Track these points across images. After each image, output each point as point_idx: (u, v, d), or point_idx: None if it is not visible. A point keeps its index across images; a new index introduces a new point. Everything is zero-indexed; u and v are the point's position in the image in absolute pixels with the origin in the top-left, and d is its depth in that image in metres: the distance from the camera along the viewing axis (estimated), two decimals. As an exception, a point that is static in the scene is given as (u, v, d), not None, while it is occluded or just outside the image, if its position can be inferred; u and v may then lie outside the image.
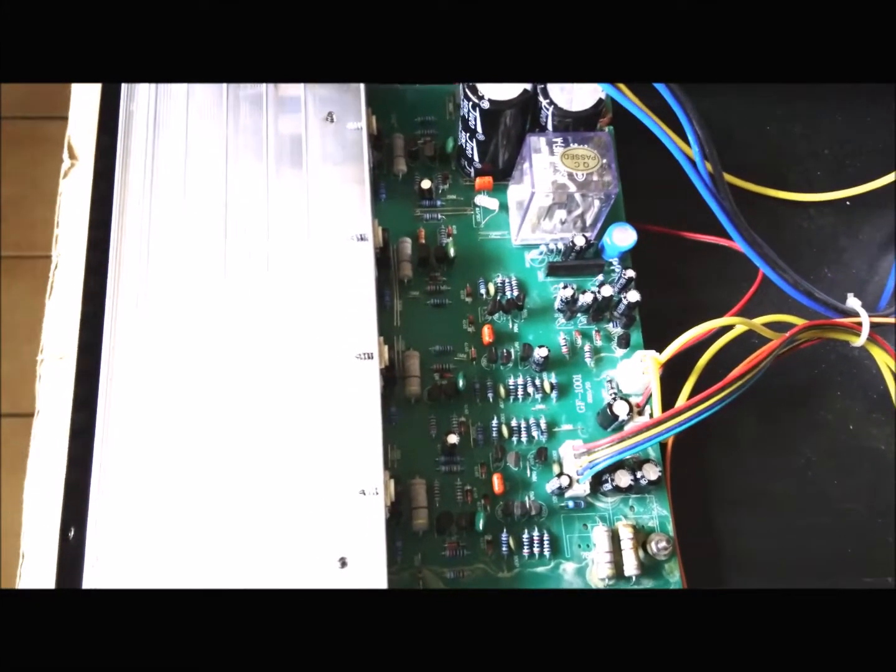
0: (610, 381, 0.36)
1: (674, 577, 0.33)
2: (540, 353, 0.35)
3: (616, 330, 0.37)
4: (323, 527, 0.30)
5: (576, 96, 0.36)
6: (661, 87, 0.34)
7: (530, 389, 0.36)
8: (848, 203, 0.43)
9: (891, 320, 0.37)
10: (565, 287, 0.36)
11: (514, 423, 0.35)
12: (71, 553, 0.30)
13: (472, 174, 0.39)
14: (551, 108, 0.36)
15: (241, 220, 0.35)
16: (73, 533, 0.31)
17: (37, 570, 0.30)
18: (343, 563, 0.30)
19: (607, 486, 0.33)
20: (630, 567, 0.33)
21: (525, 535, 0.33)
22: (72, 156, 0.38)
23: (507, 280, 0.38)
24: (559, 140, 0.35)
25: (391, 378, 0.35)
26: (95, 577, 0.29)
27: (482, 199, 0.39)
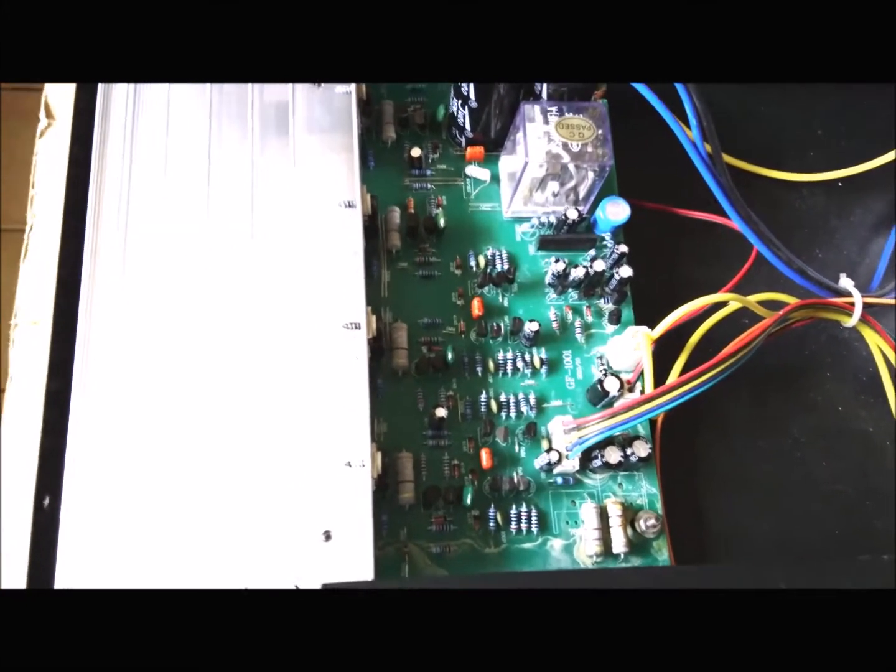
0: (600, 358, 0.36)
1: (662, 555, 0.33)
2: (530, 327, 0.35)
3: (607, 306, 0.37)
4: (308, 499, 0.29)
5: (572, 65, 0.35)
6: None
7: (520, 364, 0.35)
8: (840, 184, 0.43)
9: (883, 300, 0.37)
10: (557, 261, 0.36)
11: (502, 397, 0.35)
12: (45, 522, 0.29)
13: (464, 143, 0.39)
14: (547, 77, 0.35)
15: (225, 186, 0.34)
16: (47, 501, 0.30)
17: (10, 541, 0.29)
18: (328, 536, 0.29)
19: (597, 463, 0.33)
20: (618, 544, 0.32)
21: (513, 511, 0.33)
22: (49, 115, 0.37)
23: (497, 253, 0.37)
24: (554, 109, 0.35)
25: (378, 349, 0.34)
26: (71, 549, 0.28)
27: (473, 170, 0.39)
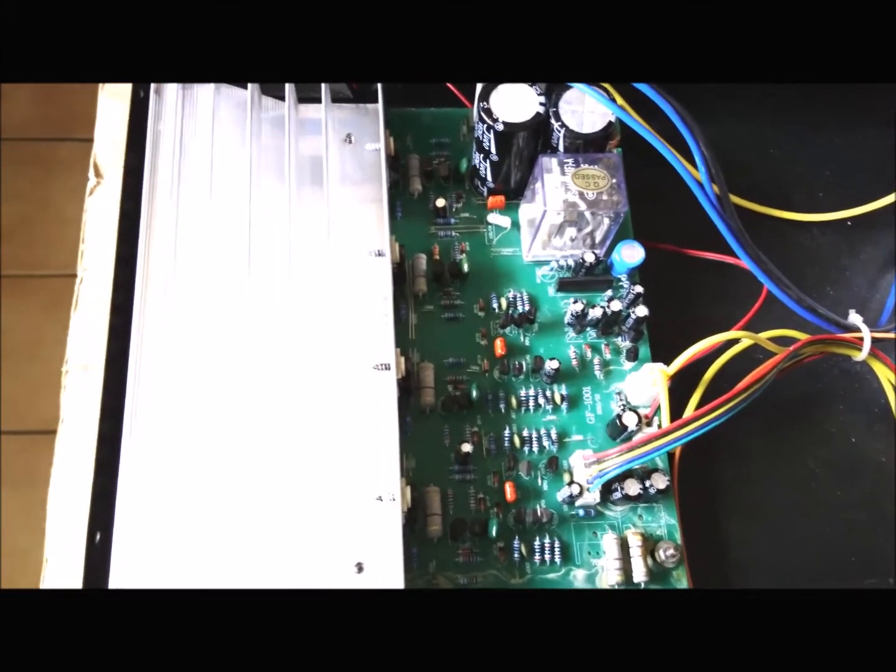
0: (619, 394, 0.38)
1: (681, 584, 0.34)
2: (551, 365, 0.36)
3: (625, 344, 0.39)
4: (340, 532, 0.31)
5: (586, 119, 0.37)
6: (668, 110, 0.35)
7: (541, 401, 0.37)
8: (849, 223, 0.45)
9: (891, 335, 0.38)
10: (575, 302, 0.38)
11: (525, 433, 0.36)
12: (97, 557, 0.31)
13: (485, 193, 0.41)
14: (563, 131, 0.37)
15: (264, 236, 0.36)
16: (99, 537, 0.32)
17: (61, 574, 0.31)
18: (360, 568, 0.31)
19: (617, 495, 0.34)
20: (639, 574, 0.33)
21: (536, 542, 0.34)
22: (98, 174, 0.39)
23: (518, 295, 0.39)
24: (570, 161, 0.37)
25: (406, 389, 0.36)
26: (121, 581, 0.30)
27: (494, 218, 0.41)
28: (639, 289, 0.38)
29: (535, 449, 0.36)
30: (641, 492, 0.34)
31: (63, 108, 0.94)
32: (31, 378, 0.82)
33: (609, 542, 0.34)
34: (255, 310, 0.34)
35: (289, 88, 0.38)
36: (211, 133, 0.38)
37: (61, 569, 0.31)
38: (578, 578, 0.34)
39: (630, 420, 0.35)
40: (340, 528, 0.31)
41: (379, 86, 0.39)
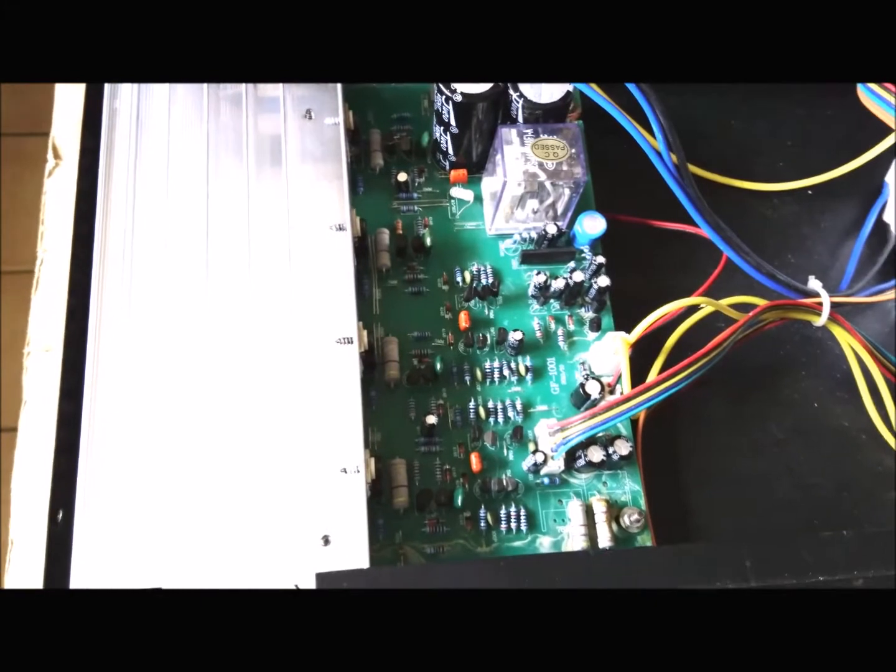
0: (583, 364, 0.38)
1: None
2: (515, 337, 0.37)
3: (588, 314, 0.39)
4: (306, 506, 0.31)
5: (544, 89, 0.37)
6: (628, 83, 0.35)
7: (506, 372, 0.37)
8: (810, 192, 0.45)
9: (850, 299, 0.39)
10: (538, 274, 0.38)
11: (490, 404, 0.36)
12: (60, 536, 0.31)
13: (447, 167, 0.41)
14: (521, 101, 0.37)
15: (223, 214, 0.36)
16: (61, 516, 0.32)
17: (26, 555, 0.31)
18: (326, 540, 0.31)
19: (581, 462, 0.35)
20: (604, 540, 0.34)
21: (502, 511, 0.34)
22: (56, 156, 0.39)
23: (482, 268, 0.39)
24: (529, 131, 0.37)
25: (370, 363, 0.36)
26: (83, 559, 0.30)
27: (457, 191, 0.41)
28: (601, 259, 0.38)
29: (501, 420, 0.36)
30: (605, 458, 0.34)
31: (31, 103, 0.92)
32: (8, 375, 0.81)
33: (574, 508, 0.34)
34: (214, 286, 0.34)
35: (246, 64, 0.37)
36: (168, 110, 0.37)
37: (25, 549, 0.31)
38: (544, 545, 0.34)
39: (593, 388, 0.35)
40: (306, 501, 0.31)
41: (337, 60, 0.39)
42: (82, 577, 0.29)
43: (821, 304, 0.38)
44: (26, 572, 0.31)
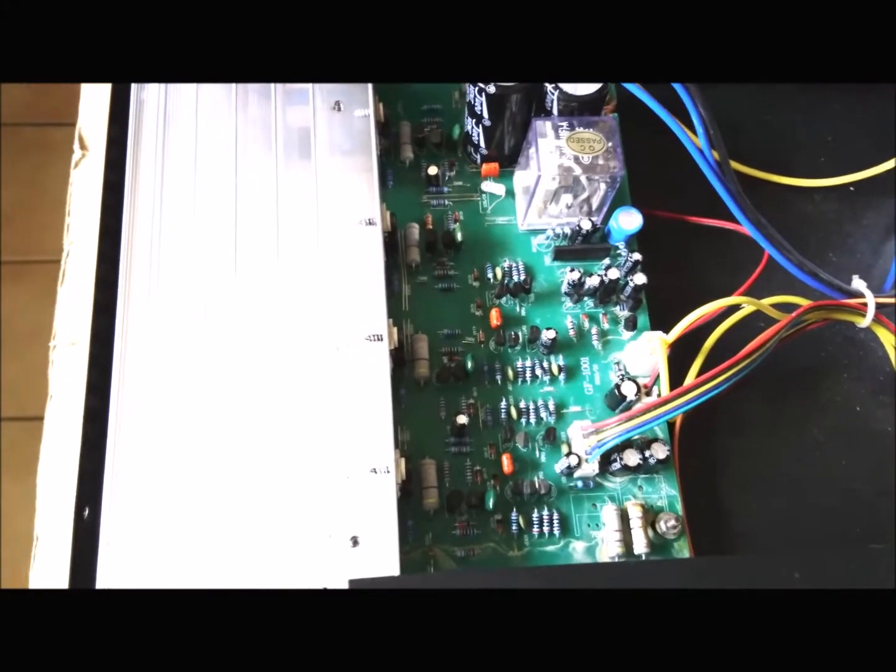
0: (617, 363, 0.37)
1: (683, 556, 0.33)
2: (547, 335, 0.36)
3: (623, 313, 0.38)
4: (335, 506, 0.30)
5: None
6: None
7: (538, 372, 0.36)
8: (852, 189, 0.44)
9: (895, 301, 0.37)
10: (572, 271, 0.37)
11: (522, 404, 0.36)
12: (85, 533, 0.31)
13: (479, 160, 0.40)
14: (556, 93, 0.36)
15: (251, 208, 0.35)
16: (87, 513, 0.31)
17: (51, 551, 0.31)
18: (355, 541, 0.30)
19: (616, 466, 0.34)
20: (639, 546, 0.33)
21: (535, 515, 0.33)
22: (83, 147, 0.39)
23: (514, 264, 0.38)
24: (565, 124, 0.36)
25: (400, 360, 0.35)
26: (110, 556, 0.29)
27: (488, 185, 0.40)
28: (637, 256, 0.37)
29: (533, 420, 0.35)
30: (641, 462, 0.33)
31: (58, 93, 0.93)
32: (32, 364, 0.82)
33: (609, 513, 0.33)
34: (243, 281, 0.33)
35: (275, 54, 0.37)
36: (195, 102, 0.37)
37: (51, 546, 0.31)
38: (578, 550, 0.33)
39: (629, 390, 0.34)
40: (335, 501, 0.30)
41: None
42: (109, 575, 0.29)
43: (865, 304, 0.36)
44: (52, 570, 0.30)
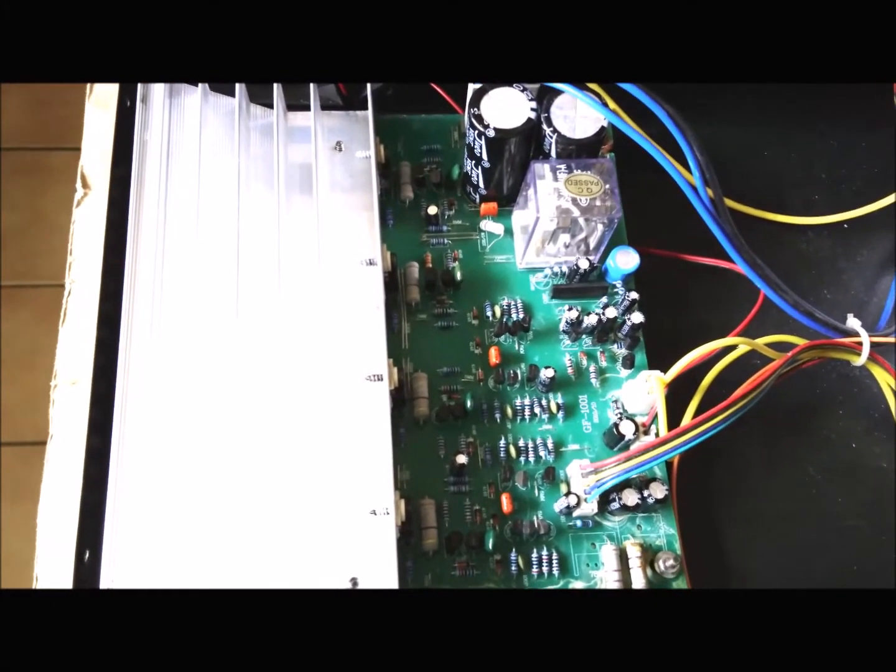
0: (615, 402, 0.37)
1: (682, 595, 0.33)
2: (546, 373, 0.36)
3: (621, 351, 0.38)
4: (334, 547, 0.30)
5: (578, 124, 0.37)
6: (661, 114, 0.35)
7: (537, 410, 0.36)
8: (846, 226, 0.44)
9: (891, 339, 0.38)
10: (570, 309, 0.37)
11: (521, 443, 0.36)
12: (86, 576, 0.31)
13: (478, 200, 0.40)
14: (555, 136, 0.37)
15: (253, 246, 0.35)
16: (87, 556, 0.31)
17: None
18: (354, 582, 0.30)
19: (615, 505, 0.34)
20: (638, 585, 0.33)
21: (534, 555, 0.34)
22: (85, 185, 0.39)
23: (512, 303, 0.39)
24: (563, 167, 0.36)
25: (400, 399, 0.35)
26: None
27: (487, 225, 0.40)
28: (634, 295, 0.37)
29: (532, 459, 0.36)
30: (640, 502, 0.34)
31: (55, 117, 0.93)
32: (28, 389, 0.82)
33: (608, 552, 0.34)
34: (244, 321, 0.34)
35: (277, 94, 0.37)
36: (198, 142, 0.37)
37: (50, 587, 0.31)
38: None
39: (627, 429, 0.34)
40: (334, 542, 0.30)
41: (368, 91, 0.38)
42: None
43: (860, 343, 0.37)
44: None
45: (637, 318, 0.37)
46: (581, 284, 0.39)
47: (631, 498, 0.34)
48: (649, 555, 0.34)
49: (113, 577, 0.29)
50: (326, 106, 0.40)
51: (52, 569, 0.31)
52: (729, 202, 0.43)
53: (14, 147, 0.94)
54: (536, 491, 0.35)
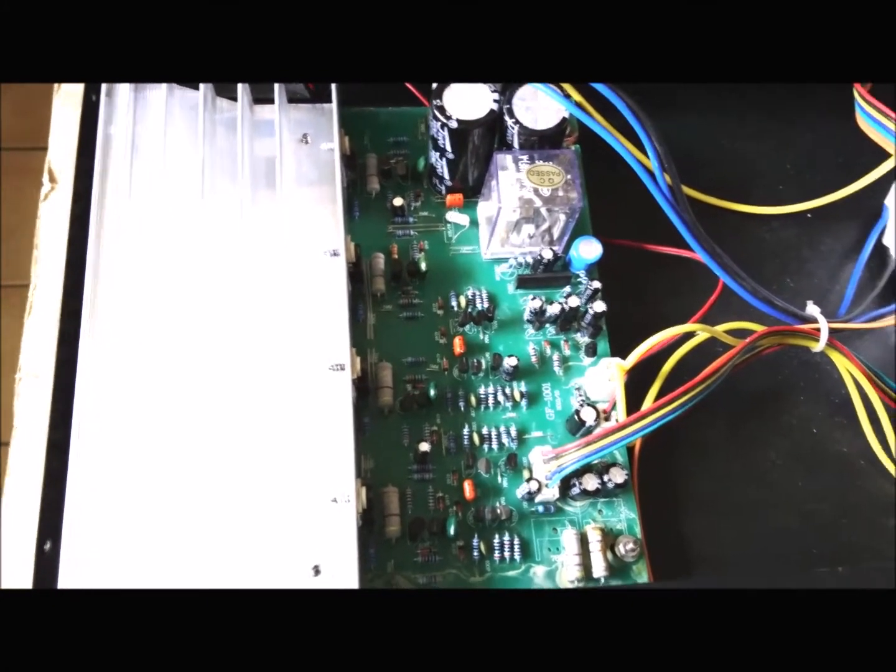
0: (578, 389, 0.37)
1: (641, 578, 0.34)
2: (509, 362, 0.36)
3: (583, 339, 0.38)
4: (296, 535, 0.31)
5: (540, 115, 0.37)
6: (620, 105, 0.35)
7: (501, 398, 0.37)
8: (809, 216, 0.45)
9: (849, 325, 0.38)
10: (534, 299, 0.37)
11: (484, 430, 0.36)
12: (46, 565, 0.31)
13: (443, 191, 0.41)
14: (517, 127, 0.37)
15: (217, 239, 0.35)
16: (48, 546, 0.31)
17: (12, 585, 0.31)
18: (317, 570, 0.30)
19: (575, 490, 0.34)
20: (598, 569, 0.33)
21: (496, 540, 0.34)
22: (52, 179, 0.39)
23: (477, 293, 0.39)
24: (525, 157, 0.37)
25: (364, 389, 0.36)
26: (69, 587, 0.29)
27: (453, 216, 0.41)
28: (597, 284, 0.38)
29: (495, 446, 0.36)
30: (600, 486, 0.34)
31: (37, 117, 0.93)
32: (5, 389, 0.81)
33: (569, 537, 0.34)
34: (208, 311, 0.34)
35: (242, 88, 0.37)
36: (163, 135, 0.37)
37: (11, 578, 0.31)
38: (538, 575, 0.34)
39: (588, 415, 0.35)
40: (296, 530, 0.31)
41: (333, 85, 0.39)
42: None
43: (819, 329, 0.37)
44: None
45: (599, 306, 0.37)
46: (545, 274, 0.39)
47: (591, 483, 0.34)
48: (610, 539, 0.34)
49: (72, 568, 0.29)
50: (294, 99, 0.40)
51: (14, 559, 0.31)
52: (694, 193, 0.43)
53: (4, 147, 0.94)
54: (499, 478, 0.35)
